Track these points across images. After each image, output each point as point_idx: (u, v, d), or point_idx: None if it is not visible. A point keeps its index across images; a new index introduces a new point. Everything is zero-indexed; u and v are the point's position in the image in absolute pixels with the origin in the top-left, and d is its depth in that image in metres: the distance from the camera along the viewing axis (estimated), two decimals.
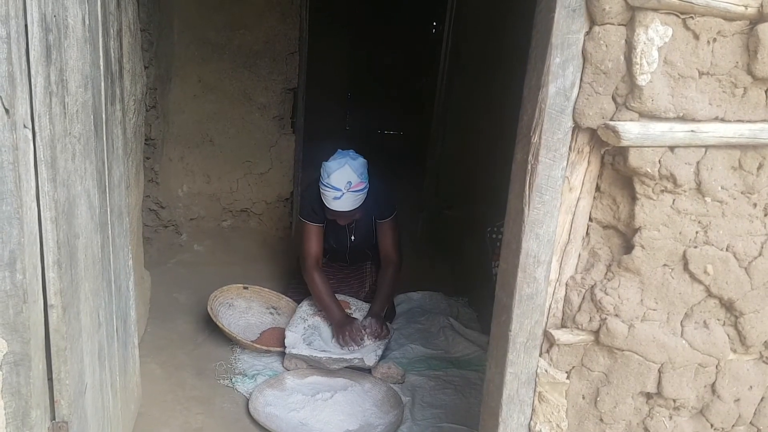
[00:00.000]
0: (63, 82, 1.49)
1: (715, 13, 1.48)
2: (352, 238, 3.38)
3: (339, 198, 3.02)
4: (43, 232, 1.46)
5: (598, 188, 1.67)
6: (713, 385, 1.80)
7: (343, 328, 3.09)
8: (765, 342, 1.77)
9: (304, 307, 3.30)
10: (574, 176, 1.63)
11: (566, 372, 1.78)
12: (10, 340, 1.43)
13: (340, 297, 3.36)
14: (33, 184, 1.41)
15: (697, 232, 1.65)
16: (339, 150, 3.16)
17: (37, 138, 1.39)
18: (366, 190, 3.09)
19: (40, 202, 1.44)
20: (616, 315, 1.69)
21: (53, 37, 1.42)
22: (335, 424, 2.65)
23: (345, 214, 3.10)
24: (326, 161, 3.10)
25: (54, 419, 1.60)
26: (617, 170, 1.62)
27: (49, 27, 1.39)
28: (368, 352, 2.98)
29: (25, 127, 1.35)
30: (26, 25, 1.31)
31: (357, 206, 3.09)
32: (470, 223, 4.27)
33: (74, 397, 1.63)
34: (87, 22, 1.64)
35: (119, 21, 2.05)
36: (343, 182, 3.00)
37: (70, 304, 1.59)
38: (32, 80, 1.35)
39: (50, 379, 1.57)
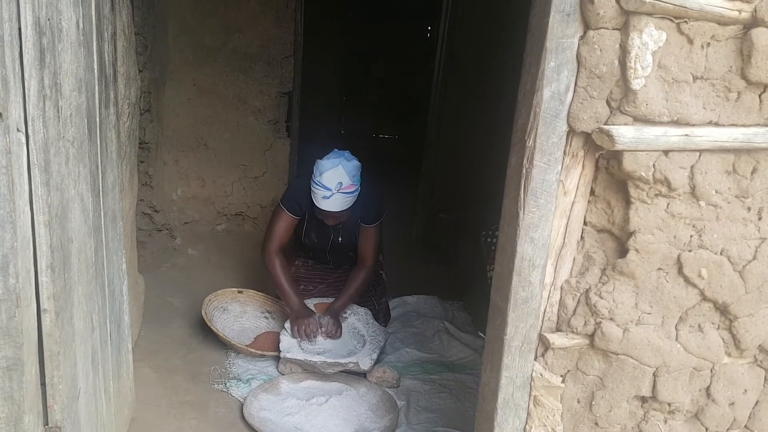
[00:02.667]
0: (57, 86, 1.48)
1: (709, 18, 1.49)
2: (339, 239, 3.37)
3: (328, 198, 3.01)
4: (37, 236, 1.45)
5: (592, 192, 1.67)
6: (708, 388, 1.80)
7: (299, 320, 3.08)
8: (759, 346, 1.78)
9: None
10: (569, 180, 1.64)
11: (561, 376, 1.78)
12: (2, 345, 1.42)
13: (328, 300, 3.34)
14: (26, 187, 1.40)
15: (691, 236, 1.66)
16: (335, 149, 3.15)
17: (31, 142, 1.38)
18: (357, 193, 3.08)
19: (34, 206, 1.43)
20: (611, 319, 1.69)
21: (47, 41, 1.41)
22: (330, 428, 2.64)
23: (333, 214, 3.09)
24: (320, 159, 3.09)
25: (47, 424, 1.59)
26: (612, 174, 1.63)
27: (42, 30, 1.39)
28: (363, 356, 2.97)
29: (18, 130, 1.34)
30: (20, 29, 1.31)
31: (345, 208, 3.08)
32: (465, 227, 4.27)
33: (67, 401, 1.62)
34: (81, 25, 1.64)
35: (113, 24, 2.05)
36: (334, 182, 2.99)
37: (63, 309, 1.58)
38: (26, 84, 1.35)
39: (43, 384, 1.56)
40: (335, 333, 3.12)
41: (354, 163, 3.08)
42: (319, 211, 3.10)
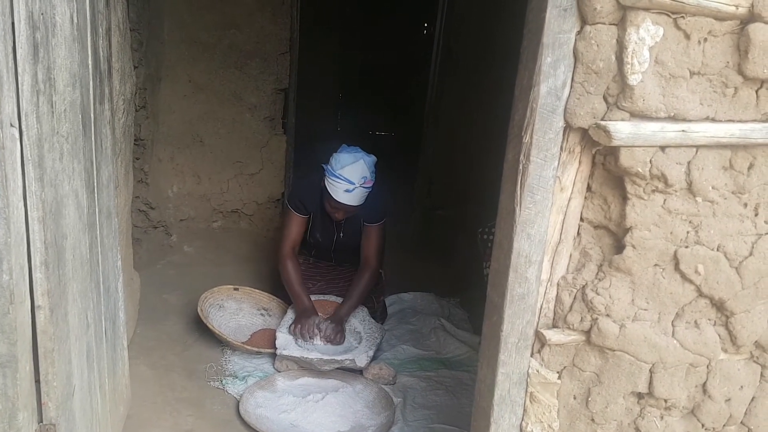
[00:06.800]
0: (51, 81, 1.47)
1: (706, 13, 1.49)
2: (341, 235, 3.36)
3: (350, 191, 3.01)
4: (30, 232, 1.44)
5: (589, 188, 1.67)
6: (704, 384, 1.80)
7: (299, 320, 3.07)
8: (755, 342, 1.78)
9: None
10: (566, 176, 1.63)
11: (557, 372, 1.78)
12: None
13: (331, 298, 3.35)
14: (20, 183, 1.39)
15: (688, 232, 1.65)
16: (344, 144, 3.15)
17: (24, 137, 1.37)
18: (371, 189, 3.09)
19: (27, 202, 1.42)
20: (608, 315, 1.69)
21: (41, 35, 1.40)
22: (326, 425, 2.64)
23: (349, 208, 3.09)
24: (337, 153, 3.09)
25: (41, 421, 1.58)
26: (608, 170, 1.62)
27: (36, 25, 1.38)
28: (360, 353, 2.97)
29: (11, 125, 1.33)
30: (13, 23, 1.30)
31: (362, 203, 3.09)
32: (462, 224, 4.27)
33: (62, 399, 1.62)
34: (75, 20, 1.63)
35: (108, 20, 2.04)
36: (358, 176, 2.99)
37: (58, 305, 1.57)
38: (19, 78, 1.34)
39: (37, 381, 1.55)
40: (334, 338, 3.07)
41: (372, 158, 3.10)
42: (334, 204, 3.09)
